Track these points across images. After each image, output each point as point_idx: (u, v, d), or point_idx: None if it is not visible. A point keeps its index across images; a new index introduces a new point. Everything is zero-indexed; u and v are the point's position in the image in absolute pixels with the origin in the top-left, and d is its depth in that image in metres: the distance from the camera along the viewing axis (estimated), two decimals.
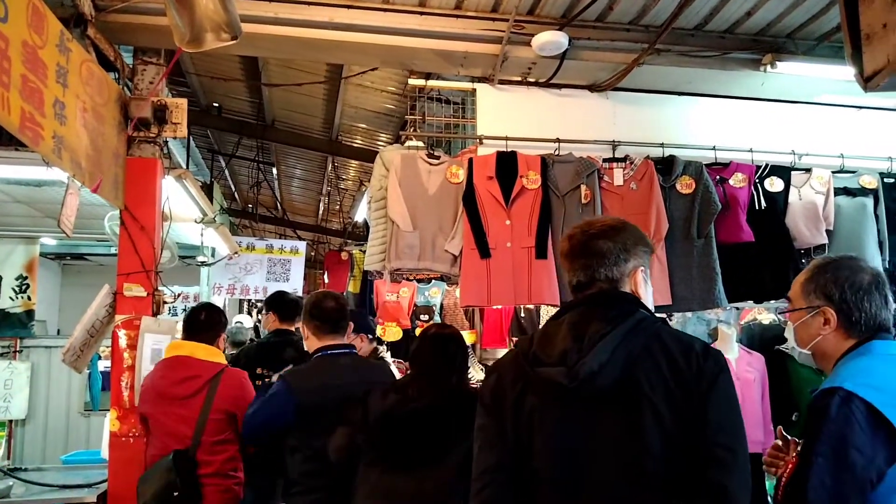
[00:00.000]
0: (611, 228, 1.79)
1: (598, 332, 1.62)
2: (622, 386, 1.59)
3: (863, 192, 4.44)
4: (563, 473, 1.63)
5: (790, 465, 1.73)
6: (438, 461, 2.66)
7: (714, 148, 4.43)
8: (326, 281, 10.51)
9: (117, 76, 3.96)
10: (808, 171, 4.43)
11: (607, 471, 1.59)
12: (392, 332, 7.52)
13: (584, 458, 1.61)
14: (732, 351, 4.71)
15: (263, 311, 4.92)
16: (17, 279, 6.99)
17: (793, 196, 4.37)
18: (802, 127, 4.67)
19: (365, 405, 2.80)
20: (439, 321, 7.73)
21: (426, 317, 7.69)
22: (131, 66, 4.09)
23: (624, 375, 1.59)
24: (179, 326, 3.66)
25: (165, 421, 3.37)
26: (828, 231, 4.33)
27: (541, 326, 1.85)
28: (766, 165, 4.41)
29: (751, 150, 4.46)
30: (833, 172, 4.44)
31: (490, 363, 6.72)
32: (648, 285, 1.82)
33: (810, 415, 1.75)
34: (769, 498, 4.06)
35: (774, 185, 4.37)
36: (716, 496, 1.51)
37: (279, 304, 4.53)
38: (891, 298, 1.89)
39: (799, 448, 1.72)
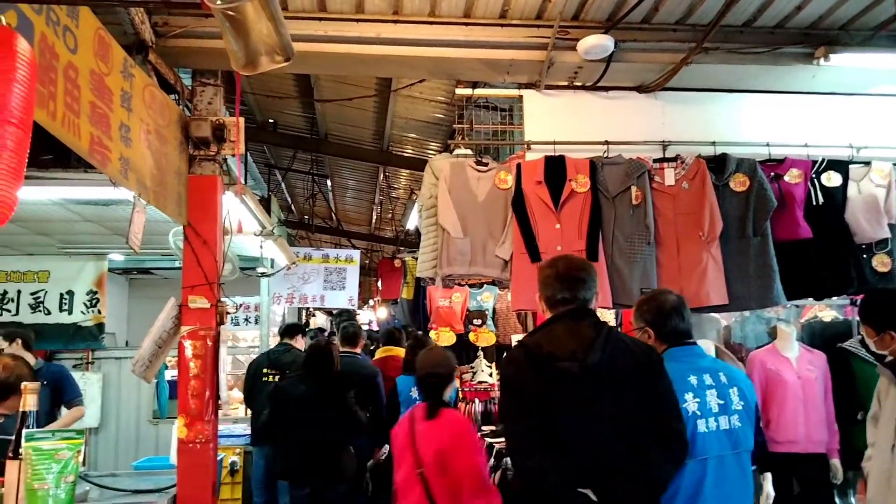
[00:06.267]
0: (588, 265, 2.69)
1: (590, 336, 2.41)
2: (610, 372, 2.36)
3: None
4: (578, 431, 2.33)
5: None
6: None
7: (767, 144, 4.35)
8: (380, 287, 10.66)
9: (177, 98, 4.13)
10: (867, 164, 4.31)
11: (607, 427, 2.34)
12: (445, 337, 7.60)
13: (589, 420, 2.33)
14: (793, 349, 4.60)
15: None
16: (87, 294, 7.33)
17: (852, 190, 4.26)
18: (860, 119, 4.54)
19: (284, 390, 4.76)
20: (492, 326, 7.80)
21: (479, 321, 7.74)
22: (190, 88, 4.26)
23: (611, 365, 2.37)
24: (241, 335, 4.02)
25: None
26: (891, 225, 4.22)
27: (536, 330, 2.60)
28: (823, 160, 4.31)
29: (806, 146, 4.37)
30: (894, 164, 4.32)
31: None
32: None
33: None
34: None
35: (832, 179, 4.27)
36: (676, 435, 2.39)
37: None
38: (687, 316, 2.79)
39: None
